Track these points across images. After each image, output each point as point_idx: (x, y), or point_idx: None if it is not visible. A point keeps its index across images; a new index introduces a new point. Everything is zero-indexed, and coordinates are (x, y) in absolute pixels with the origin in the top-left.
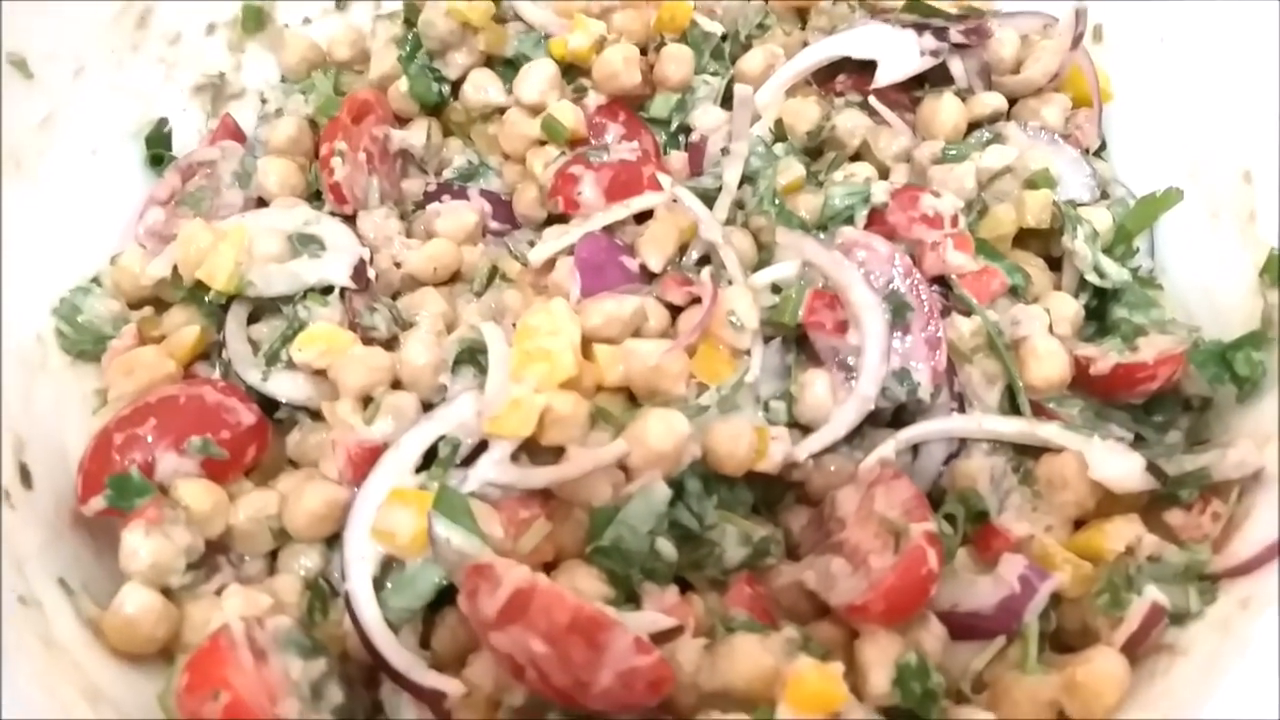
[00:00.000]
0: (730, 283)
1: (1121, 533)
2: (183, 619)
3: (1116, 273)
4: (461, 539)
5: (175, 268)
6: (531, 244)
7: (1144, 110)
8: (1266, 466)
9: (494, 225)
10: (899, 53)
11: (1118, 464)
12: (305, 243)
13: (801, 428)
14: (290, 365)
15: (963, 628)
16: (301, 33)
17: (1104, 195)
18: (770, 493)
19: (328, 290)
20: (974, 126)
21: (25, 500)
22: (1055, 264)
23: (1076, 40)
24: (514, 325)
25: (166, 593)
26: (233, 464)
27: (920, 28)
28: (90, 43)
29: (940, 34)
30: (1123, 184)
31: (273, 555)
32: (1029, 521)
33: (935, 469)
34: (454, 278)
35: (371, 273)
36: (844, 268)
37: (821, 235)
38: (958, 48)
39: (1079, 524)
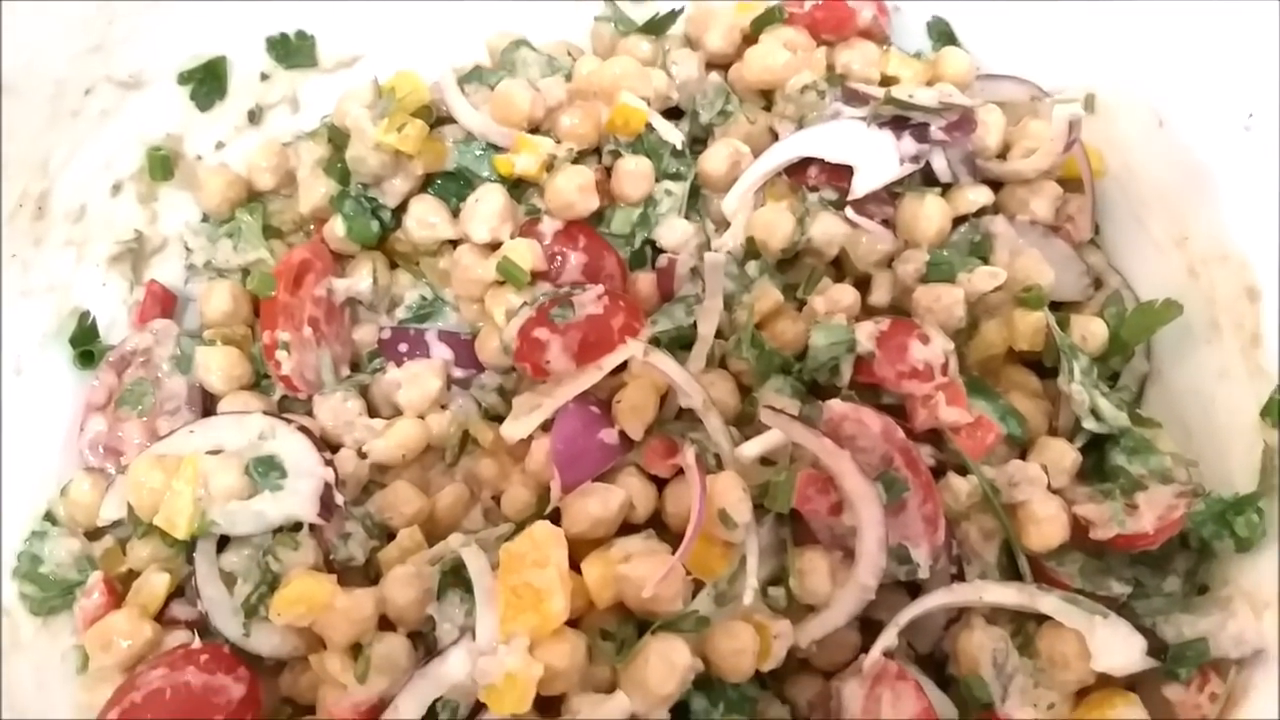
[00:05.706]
0: (716, 456)
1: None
2: None
3: (1113, 416)
4: None
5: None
6: (500, 389)
7: (1140, 190)
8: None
9: (458, 374)
10: (876, 158)
11: (1118, 653)
12: (264, 471)
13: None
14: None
15: None
16: (217, 164)
17: (1098, 284)
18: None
19: (296, 526)
20: (959, 220)
21: None
22: (1050, 371)
23: (1069, 146)
24: (494, 500)
25: None
26: None
27: (899, 125)
28: None
29: (921, 133)
30: (1117, 271)
31: None
32: (1032, 705)
33: (936, 633)
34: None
35: (339, 498)
36: (835, 456)
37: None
38: (940, 144)
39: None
